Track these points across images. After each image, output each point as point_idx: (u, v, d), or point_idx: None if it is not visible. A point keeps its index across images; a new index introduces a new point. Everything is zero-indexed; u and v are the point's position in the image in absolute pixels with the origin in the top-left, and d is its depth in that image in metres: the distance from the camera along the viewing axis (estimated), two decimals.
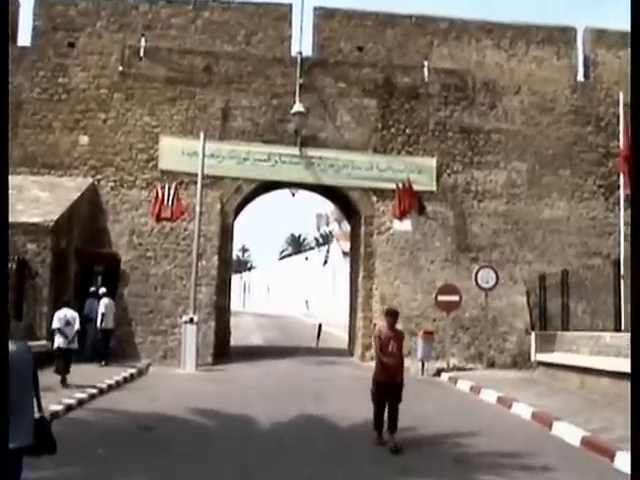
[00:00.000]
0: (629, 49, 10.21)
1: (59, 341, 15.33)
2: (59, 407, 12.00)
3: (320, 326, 29.55)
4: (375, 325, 21.95)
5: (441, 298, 20.99)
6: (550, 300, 19.16)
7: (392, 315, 10.66)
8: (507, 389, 15.99)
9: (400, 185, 23.06)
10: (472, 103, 24.13)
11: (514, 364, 21.51)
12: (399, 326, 11.10)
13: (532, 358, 19.59)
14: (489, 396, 15.48)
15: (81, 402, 13.18)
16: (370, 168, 23.39)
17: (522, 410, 13.40)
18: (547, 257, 23.15)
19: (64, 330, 15.32)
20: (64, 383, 14.73)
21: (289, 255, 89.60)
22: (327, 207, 62.62)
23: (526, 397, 14.59)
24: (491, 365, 21.45)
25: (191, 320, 19.85)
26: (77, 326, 15.52)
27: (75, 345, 15.57)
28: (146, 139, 22.82)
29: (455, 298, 20.97)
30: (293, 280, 63.51)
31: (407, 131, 23.78)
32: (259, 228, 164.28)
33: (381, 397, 10.26)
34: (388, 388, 10.21)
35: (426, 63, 23.84)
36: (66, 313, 15.56)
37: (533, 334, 19.76)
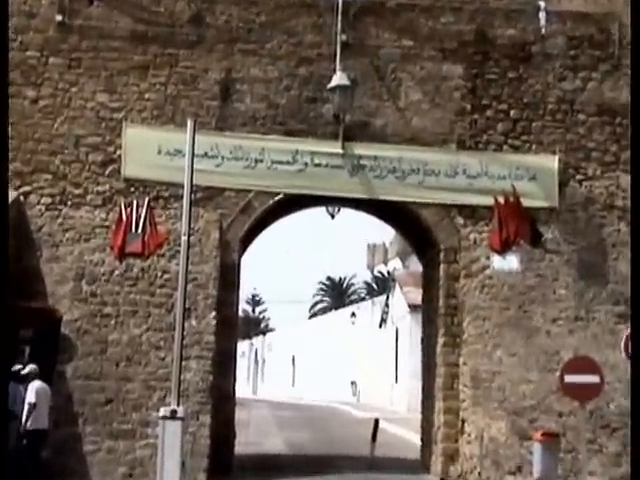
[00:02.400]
0: None
1: None
2: None
3: (377, 422, 29.05)
4: (463, 422, 20.68)
5: (570, 379, 19.96)
6: None
7: None
8: None
9: (501, 200, 22.86)
10: (618, 67, 23.72)
11: None
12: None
13: None
14: None
15: None
16: (453, 174, 23.27)
17: None
18: None
19: None
20: None
21: (326, 310, 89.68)
22: (385, 235, 62.74)
23: None
24: None
25: (173, 414, 18.96)
26: None
27: None
28: (102, 129, 22.73)
29: (593, 379, 19.97)
30: (332, 349, 63.43)
31: (512, 114, 23.57)
32: (279, 268, 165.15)
33: None
34: None
35: (542, 4, 23.71)
36: None
37: None
